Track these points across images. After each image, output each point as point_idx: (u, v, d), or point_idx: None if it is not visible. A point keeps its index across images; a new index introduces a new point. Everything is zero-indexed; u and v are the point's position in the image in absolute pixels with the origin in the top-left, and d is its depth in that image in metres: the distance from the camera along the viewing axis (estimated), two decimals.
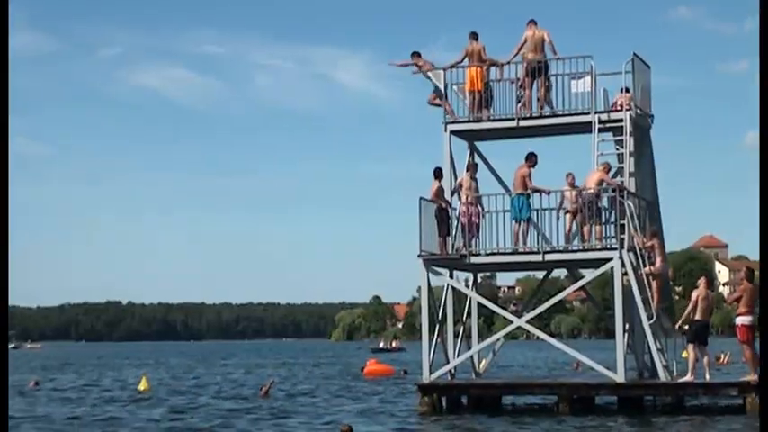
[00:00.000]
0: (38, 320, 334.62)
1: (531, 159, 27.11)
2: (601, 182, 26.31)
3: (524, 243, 26.84)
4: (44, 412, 29.56)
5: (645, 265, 26.00)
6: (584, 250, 26.44)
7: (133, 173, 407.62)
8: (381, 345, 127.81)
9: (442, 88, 27.58)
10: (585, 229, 26.31)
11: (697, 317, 25.37)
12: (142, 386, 40.53)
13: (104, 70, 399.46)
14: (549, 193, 26.97)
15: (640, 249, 26.03)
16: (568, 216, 26.74)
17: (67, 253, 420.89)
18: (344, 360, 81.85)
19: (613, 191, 26.04)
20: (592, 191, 26.20)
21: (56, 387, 43.44)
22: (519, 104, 27.43)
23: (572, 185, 26.99)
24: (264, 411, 28.77)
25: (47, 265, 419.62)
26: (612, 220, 26.15)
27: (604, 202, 26.55)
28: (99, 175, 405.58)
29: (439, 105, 27.53)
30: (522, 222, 26.78)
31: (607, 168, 26.69)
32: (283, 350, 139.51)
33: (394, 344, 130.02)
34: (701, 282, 25.91)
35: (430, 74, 27.71)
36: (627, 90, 26.83)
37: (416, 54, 27.48)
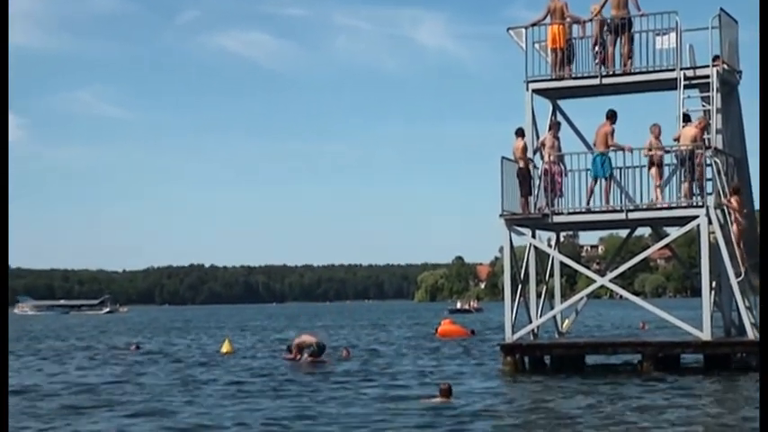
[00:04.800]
0: (123, 284, 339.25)
1: (613, 117, 26.76)
2: (695, 138, 25.81)
3: (607, 201, 26.57)
4: (151, 374, 29.90)
5: (731, 222, 25.61)
6: (668, 208, 26.12)
7: (214, 136, 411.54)
8: (459, 305, 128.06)
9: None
10: (685, 186, 25.89)
11: None
12: (225, 349, 40.84)
13: (183, 34, 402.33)
14: (631, 151, 26.62)
15: (726, 206, 25.64)
16: (653, 170, 26.33)
17: (151, 216, 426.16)
18: (424, 321, 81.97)
19: (698, 148, 25.62)
20: (687, 147, 25.76)
21: (151, 350, 44.10)
22: (596, 62, 27.11)
23: (657, 137, 26.57)
24: (347, 373, 28.80)
25: (132, 229, 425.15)
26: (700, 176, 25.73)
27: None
28: (180, 138, 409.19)
29: None
30: (603, 180, 26.50)
31: (703, 124, 26.19)
32: (366, 312, 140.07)
33: (472, 304, 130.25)
34: None
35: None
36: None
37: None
